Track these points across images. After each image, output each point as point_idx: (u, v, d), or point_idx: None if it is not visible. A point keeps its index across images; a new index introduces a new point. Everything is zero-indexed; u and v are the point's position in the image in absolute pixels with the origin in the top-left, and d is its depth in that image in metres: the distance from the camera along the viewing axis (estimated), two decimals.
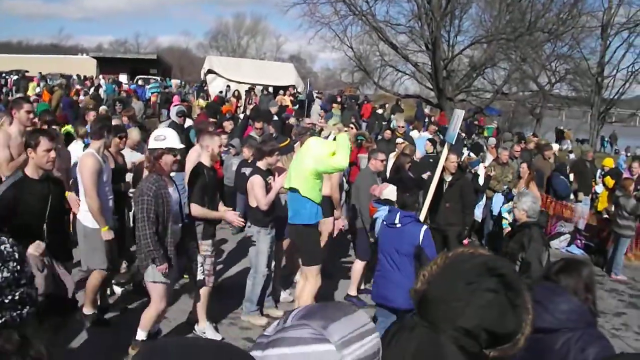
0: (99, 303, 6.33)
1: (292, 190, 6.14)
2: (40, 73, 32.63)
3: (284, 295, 7.58)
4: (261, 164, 6.63)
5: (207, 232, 5.94)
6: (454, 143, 9.13)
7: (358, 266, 7.69)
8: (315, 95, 25.34)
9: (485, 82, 30.20)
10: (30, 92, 22.79)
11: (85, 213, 5.81)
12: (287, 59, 63.60)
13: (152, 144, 5.30)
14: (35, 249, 4.02)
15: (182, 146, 5.50)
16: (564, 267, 2.99)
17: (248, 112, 18.66)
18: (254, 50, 72.44)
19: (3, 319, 1.55)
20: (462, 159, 11.43)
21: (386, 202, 6.73)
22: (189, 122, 12.67)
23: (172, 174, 5.58)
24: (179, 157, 5.36)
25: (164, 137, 5.31)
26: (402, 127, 13.89)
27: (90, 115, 8.52)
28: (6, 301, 1.56)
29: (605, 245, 11.05)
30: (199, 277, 5.85)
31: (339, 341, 1.24)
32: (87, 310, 6.08)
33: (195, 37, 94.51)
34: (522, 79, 29.34)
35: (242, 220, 6.28)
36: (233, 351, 1.17)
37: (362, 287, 8.01)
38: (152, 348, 1.16)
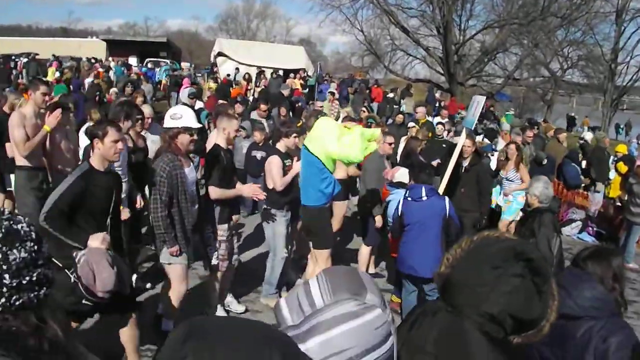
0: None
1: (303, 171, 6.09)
2: (54, 56, 32.53)
3: (298, 281, 7.55)
4: (279, 146, 6.58)
5: (222, 216, 5.81)
6: (472, 129, 9.11)
7: (365, 250, 7.63)
8: (324, 78, 25.17)
9: (496, 67, 30.03)
10: (50, 78, 22.71)
11: None
12: (297, 42, 63.28)
13: (168, 122, 5.16)
14: (100, 241, 4.00)
15: (199, 125, 5.38)
16: (594, 254, 2.91)
17: (257, 95, 18.63)
18: (264, 34, 72.17)
19: (21, 300, 1.52)
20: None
21: (399, 184, 6.71)
22: (199, 104, 12.68)
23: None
24: (195, 136, 5.23)
25: (180, 115, 5.16)
26: (418, 112, 13.67)
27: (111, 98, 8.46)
28: (24, 282, 1.54)
29: (617, 233, 10.94)
30: (213, 261, 5.75)
31: (382, 304, 1.26)
32: None
33: (205, 20, 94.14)
34: (534, 65, 29.09)
35: (261, 191, 6.16)
36: (270, 329, 1.16)
37: (373, 271, 7.97)
38: (191, 326, 1.14)
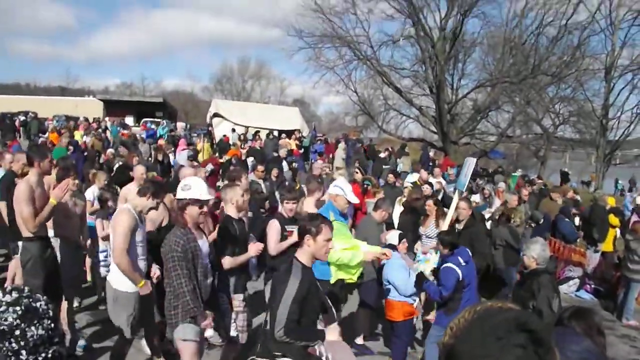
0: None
1: None
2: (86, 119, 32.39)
3: None
4: (283, 210, 6.60)
5: (238, 285, 5.77)
6: (464, 190, 9.14)
7: (363, 315, 7.55)
8: (318, 138, 25.40)
9: (489, 125, 30.39)
10: (77, 138, 22.87)
11: (114, 274, 5.53)
12: (291, 102, 64.29)
13: (179, 193, 4.98)
14: (337, 332, 4.19)
15: (210, 197, 5.09)
16: (576, 313, 3.04)
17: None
18: (259, 94, 73.23)
19: None
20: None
21: (390, 246, 6.76)
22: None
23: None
24: (205, 208, 4.98)
25: (190, 186, 4.96)
26: (422, 174, 13.85)
27: (138, 173, 8.45)
28: (39, 359, 1.60)
29: (615, 290, 10.90)
30: (232, 333, 5.59)
31: None
32: None
33: (200, 80, 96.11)
34: (526, 122, 29.47)
35: (261, 245, 6.11)
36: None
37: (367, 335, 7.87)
38: None
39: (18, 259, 7.51)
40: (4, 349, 1.57)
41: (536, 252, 5.73)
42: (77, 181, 6.76)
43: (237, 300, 5.68)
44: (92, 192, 8.82)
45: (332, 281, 5.92)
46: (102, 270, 7.45)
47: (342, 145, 22.49)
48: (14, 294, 1.65)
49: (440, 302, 6.47)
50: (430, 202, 9.03)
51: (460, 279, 6.15)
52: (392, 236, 6.92)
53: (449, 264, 6.26)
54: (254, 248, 5.84)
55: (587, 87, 28.95)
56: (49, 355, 1.61)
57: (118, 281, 5.45)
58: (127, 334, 5.50)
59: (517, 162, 37.35)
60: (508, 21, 26.04)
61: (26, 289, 1.69)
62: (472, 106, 29.26)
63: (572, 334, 2.78)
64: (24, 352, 1.57)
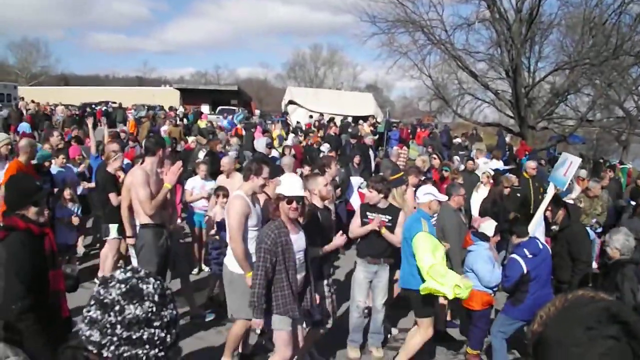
0: (240, 350, 6.28)
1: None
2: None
3: (394, 331, 7.58)
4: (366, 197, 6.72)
5: (324, 272, 5.96)
6: (564, 190, 8.65)
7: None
8: (394, 125, 25.30)
9: (567, 109, 29.48)
10: (274, 135, 23.68)
11: (231, 257, 5.72)
12: (364, 88, 64.17)
13: (277, 188, 5.07)
14: None
15: (301, 194, 5.01)
16: None
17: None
18: (331, 80, 73.42)
19: (128, 353, 1.67)
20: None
21: (482, 235, 6.70)
22: (274, 153, 13.16)
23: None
24: (295, 204, 4.92)
25: (281, 182, 5.07)
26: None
27: (225, 163, 8.83)
28: (134, 337, 1.67)
29: None
30: (317, 317, 5.67)
31: None
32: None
33: (274, 68, 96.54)
34: (607, 105, 28.33)
35: (345, 237, 6.24)
36: None
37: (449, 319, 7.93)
38: None
39: (112, 241, 7.98)
40: (103, 320, 1.67)
41: (619, 242, 5.58)
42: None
43: (323, 285, 5.85)
44: (192, 182, 9.26)
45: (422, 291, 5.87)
46: (214, 267, 7.71)
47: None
48: (128, 273, 1.77)
49: (507, 292, 6.47)
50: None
51: (525, 272, 6.10)
52: (488, 226, 6.78)
53: (514, 255, 6.24)
54: (340, 240, 6.02)
55: None
56: (144, 336, 1.68)
57: (234, 264, 5.66)
58: (243, 315, 5.64)
59: (597, 147, 36.15)
60: (587, 0, 25.09)
61: (143, 270, 1.80)
62: (549, 90, 28.41)
63: None
64: (119, 326, 1.66)
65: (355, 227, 6.56)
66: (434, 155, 13.69)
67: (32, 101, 34.00)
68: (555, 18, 26.62)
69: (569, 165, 7.99)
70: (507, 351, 6.48)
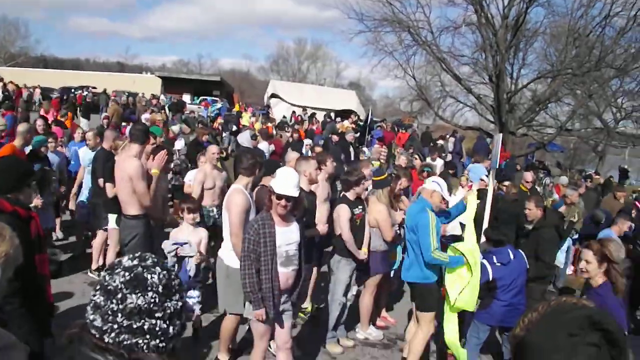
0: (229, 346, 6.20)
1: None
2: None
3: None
4: (349, 195, 6.64)
5: (309, 256, 6.02)
6: (497, 167, 8.92)
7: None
8: (378, 124, 25.33)
9: (547, 117, 29.72)
10: (245, 122, 23.50)
11: (228, 252, 5.68)
12: (346, 85, 64.24)
13: (272, 181, 5.00)
14: None
15: (293, 194, 4.87)
16: None
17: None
18: (314, 76, 73.44)
19: (128, 342, 1.65)
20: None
21: (452, 237, 6.73)
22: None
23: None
24: (284, 202, 4.84)
25: (276, 175, 4.99)
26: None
27: (210, 153, 8.55)
28: (134, 326, 1.66)
29: None
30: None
31: None
32: (223, 357, 6.05)
33: (257, 60, 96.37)
34: (587, 115, 28.71)
35: (327, 225, 6.26)
36: None
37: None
38: None
39: (112, 231, 7.79)
40: (106, 306, 1.66)
41: None
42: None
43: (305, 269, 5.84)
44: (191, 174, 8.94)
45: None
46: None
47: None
48: (135, 261, 1.75)
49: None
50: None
51: (490, 279, 6.05)
52: (453, 227, 6.85)
53: (483, 261, 6.18)
54: (323, 228, 6.02)
55: None
56: (145, 326, 1.67)
57: (229, 257, 5.63)
58: (237, 310, 5.63)
59: (574, 156, 36.59)
60: (573, 11, 25.20)
61: (150, 259, 1.77)
62: (531, 97, 28.63)
63: None
64: (120, 314, 1.65)
65: (346, 229, 6.47)
66: (415, 156, 13.73)
67: (11, 82, 33.40)
68: (540, 26, 26.89)
69: (494, 144, 8.28)
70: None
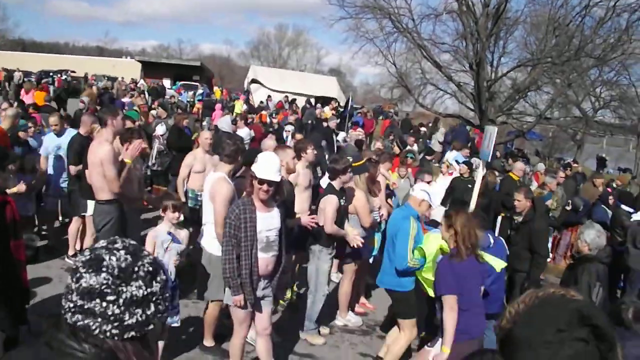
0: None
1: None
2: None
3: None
4: (335, 183, 6.58)
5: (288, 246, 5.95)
6: (489, 161, 9.06)
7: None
8: (358, 111, 25.31)
9: (527, 105, 29.85)
10: (238, 110, 23.25)
11: (211, 240, 5.66)
12: (327, 71, 64.04)
13: (253, 165, 4.96)
14: None
15: (272, 178, 4.82)
16: (636, 313, 2.95)
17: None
18: (295, 62, 73.12)
19: (77, 321, 1.58)
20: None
21: (433, 222, 6.74)
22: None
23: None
24: (266, 187, 4.80)
25: (257, 161, 4.92)
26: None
27: (203, 138, 8.38)
28: (85, 307, 1.58)
29: None
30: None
31: None
32: (208, 343, 6.03)
33: (238, 46, 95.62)
34: (565, 104, 28.89)
35: (314, 217, 6.22)
36: None
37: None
38: None
39: (87, 217, 7.66)
40: (68, 285, 1.61)
41: (590, 237, 5.64)
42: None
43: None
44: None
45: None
46: None
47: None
48: (104, 244, 1.68)
49: None
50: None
51: None
52: (438, 213, 6.84)
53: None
54: (306, 219, 6.01)
55: (632, 71, 28.12)
56: (96, 309, 1.57)
57: (212, 246, 5.62)
58: (219, 297, 5.58)
59: (553, 145, 36.85)
60: (554, 0, 25.39)
61: (120, 243, 1.68)
62: (511, 85, 28.74)
63: (629, 337, 2.72)
64: (74, 293, 1.59)
65: (331, 221, 6.40)
66: (393, 143, 13.77)
67: None
68: (521, 15, 26.91)
69: (489, 136, 8.38)
70: None
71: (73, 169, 7.67)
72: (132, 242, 1.75)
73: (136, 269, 1.64)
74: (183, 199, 7.34)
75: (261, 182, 4.80)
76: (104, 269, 1.59)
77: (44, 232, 9.37)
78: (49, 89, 27.18)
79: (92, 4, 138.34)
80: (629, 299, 4.84)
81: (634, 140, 30.66)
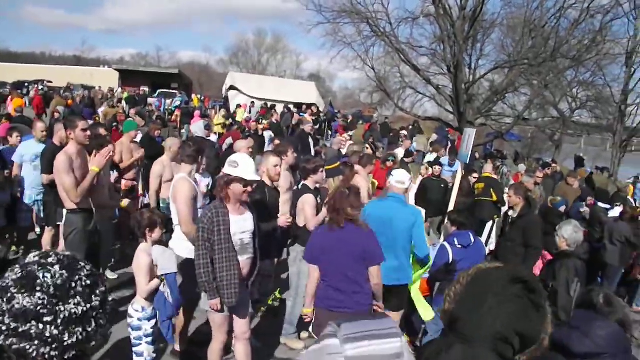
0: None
1: None
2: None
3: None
4: (309, 183, 6.57)
5: (269, 251, 5.94)
6: (467, 162, 9.16)
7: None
8: (337, 116, 25.35)
9: (505, 107, 30.08)
10: (239, 118, 23.09)
11: (179, 242, 5.61)
12: (306, 77, 64.13)
13: (226, 168, 4.92)
14: None
15: (257, 178, 4.98)
16: (606, 298, 3.01)
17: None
18: (274, 68, 73.13)
19: (12, 345, 1.48)
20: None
21: None
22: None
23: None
24: (249, 188, 4.89)
25: (237, 164, 4.88)
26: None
27: (175, 147, 8.11)
28: (20, 330, 1.48)
29: (628, 274, 10.90)
30: (255, 296, 5.75)
31: (344, 337, 1.51)
32: (179, 348, 5.98)
33: (217, 53, 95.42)
34: (543, 105, 29.17)
35: (290, 217, 6.19)
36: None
37: None
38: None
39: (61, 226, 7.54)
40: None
41: (568, 233, 5.71)
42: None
43: (268, 265, 5.89)
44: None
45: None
46: None
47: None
48: (36, 257, 1.58)
49: (436, 279, 6.44)
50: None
51: (450, 261, 6.08)
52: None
53: (444, 243, 6.26)
54: (283, 221, 5.98)
55: (607, 72, 28.48)
56: (32, 331, 1.48)
57: (181, 248, 5.56)
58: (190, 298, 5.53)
59: (532, 145, 37.16)
60: (529, 2, 25.54)
61: (54, 257, 1.58)
62: (489, 87, 28.93)
63: (599, 318, 2.81)
64: (7, 315, 1.48)
65: (312, 218, 6.33)
66: (367, 146, 13.87)
67: None
68: (497, 18, 27.16)
69: (467, 138, 8.50)
70: None
71: (45, 178, 7.55)
72: (67, 253, 1.63)
73: (73, 284, 1.54)
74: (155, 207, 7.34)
75: (246, 184, 4.82)
76: (38, 288, 1.49)
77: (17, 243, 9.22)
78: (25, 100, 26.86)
79: (69, 12, 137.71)
80: (598, 287, 4.91)
81: (610, 140, 30.95)
